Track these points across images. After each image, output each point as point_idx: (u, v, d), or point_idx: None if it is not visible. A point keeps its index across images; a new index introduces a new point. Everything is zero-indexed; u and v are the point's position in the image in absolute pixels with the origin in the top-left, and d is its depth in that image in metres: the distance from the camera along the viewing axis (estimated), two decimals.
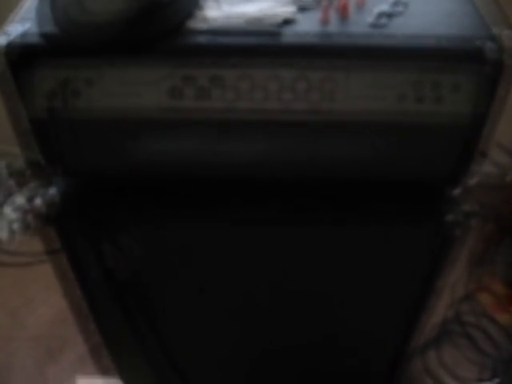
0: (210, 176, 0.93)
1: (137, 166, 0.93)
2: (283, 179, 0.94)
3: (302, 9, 0.84)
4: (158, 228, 0.99)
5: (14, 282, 1.91)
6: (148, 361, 1.25)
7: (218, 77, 0.81)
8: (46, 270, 1.84)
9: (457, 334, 1.73)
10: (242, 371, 1.36)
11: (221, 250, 1.01)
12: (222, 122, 0.85)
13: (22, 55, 0.80)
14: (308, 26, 0.82)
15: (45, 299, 1.84)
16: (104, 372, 1.37)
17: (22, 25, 0.83)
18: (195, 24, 0.82)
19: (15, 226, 2.04)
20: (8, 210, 2.05)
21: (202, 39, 0.80)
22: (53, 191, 0.95)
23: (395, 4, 0.85)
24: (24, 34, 0.81)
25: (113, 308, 1.10)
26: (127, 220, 0.98)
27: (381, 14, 0.83)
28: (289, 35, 0.80)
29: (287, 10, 0.82)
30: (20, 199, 1.86)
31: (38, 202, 1.01)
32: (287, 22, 0.82)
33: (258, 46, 0.79)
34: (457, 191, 0.93)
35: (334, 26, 0.82)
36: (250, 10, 0.82)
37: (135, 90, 0.82)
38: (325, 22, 0.82)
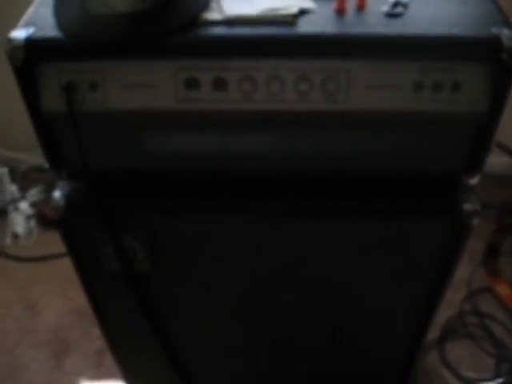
0: (226, 168, 0.94)
1: (151, 161, 0.93)
2: (299, 172, 0.94)
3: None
4: (168, 220, 0.99)
5: (32, 275, 1.93)
6: (156, 362, 1.26)
7: (235, 67, 0.81)
8: (63, 264, 1.87)
9: (474, 326, 1.72)
10: (251, 373, 1.36)
11: (236, 243, 1.01)
12: (238, 112, 0.85)
13: (42, 49, 0.81)
14: (324, 15, 0.82)
15: (62, 293, 1.86)
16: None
17: (40, 20, 0.84)
18: (211, 15, 0.82)
19: (32, 222, 2.07)
20: (25, 206, 2.08)
21: (218, 30, 0.80)
22: (57, 194, 0.96)
23: None
24: (42, 29, 0.82)
25: (124, 305, 1.11)
26: (141, 212, 0.99)
27: (396, 3, 0.83)
28: (305, 25, 0.81)
29: (303, 1, 0.83)
30: (33, 197, 1.89)
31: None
32: (303, 12, 0.82)
33: (275, 36, 0.80)
34: (473, 181, 0.93)
35: (350, 15, 0.82)
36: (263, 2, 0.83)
37: (152, 81, 0.83)
38: (340, 11, 0.82)
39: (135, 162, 0.93)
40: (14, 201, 2.11)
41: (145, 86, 0.83)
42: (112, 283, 1.08)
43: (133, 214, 0.97)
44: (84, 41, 0.80)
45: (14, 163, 2.16)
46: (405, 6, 0.84)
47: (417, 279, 1.06)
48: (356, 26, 0.81)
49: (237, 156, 0.92)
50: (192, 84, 0.83)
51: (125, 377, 1.38)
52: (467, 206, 0.92)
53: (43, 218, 2.07)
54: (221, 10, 0.82)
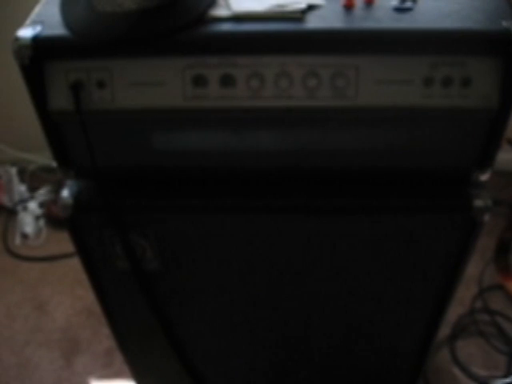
0: (234, 165, 0.94)
1: (159, 159, 0.93)
2: (308, 168, 0.93)
3: None
4: (177, 219, 0.99)
5: (41, 275, 1.94)
6: (165, 362, 1.25)
7: (243, 64, 0.81)
8: (72, 264, 1.88)
9: (485, 324, 1.71)
10: (261, 371, 1.36)
11: (247, 241, 1.01)
12: (246, 109, 0.84)
13: (49, 47, 0.81)
14: (332, 10, 0.82)
15: (71, 293, 1.87)
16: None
17: (47, 18, 0.84)
18: (218, 12, 0.82)
19: (41, 221, 2.08)
20: (33, 206, 2.09)
21: (225, 27, 0.80)
22: (66, 193, 0.96)
23: None
24: (49, 28, 0.82)
25: (133, 304, 1.11)
26: (150, 210, 0.98)
27: None
28: (313, 20, 0.80)
29: None
30: (42, 197, 1.90)
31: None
32: (311, 7, 0.81)
33: (283, 32, 0.79)
34: (484, 177, 0.92)
35: (358, 10, 0.82)
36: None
37: (160, 79, 0.83)
38: (349, 6, 0.82)
39: (143, 160, 0.93)
40: (23, 201, 2.12)
41: (152, 84, 0.83)
42: (121, 282, 1.08)
43: (141, 212, 0.97)
44: (91, 39, 0.80)
45: (22, 163, 2.17)
46: (414, 0, 0.83)
47: (428, 276, 1.06)
48: (364, 21, 0.80)
49: (246, 153, 0.91)
50: (200, 81, 0.82)
51: (134, 376, 1.38)
52: (478, 202, 0.91)
53: (52, 218, 2.07)
54: (228, 6, 0.82)
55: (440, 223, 0.95)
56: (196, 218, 0.98)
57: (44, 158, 2.09)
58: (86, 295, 1.80)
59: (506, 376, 1.59)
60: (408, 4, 0.82)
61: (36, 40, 0.80)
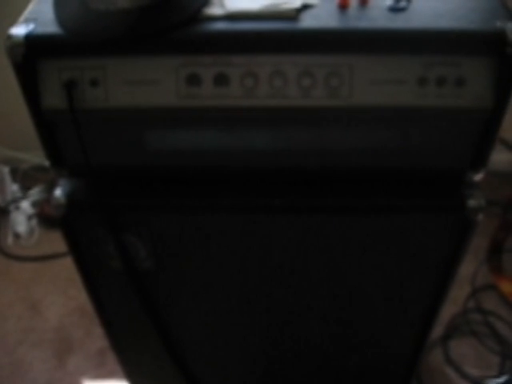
0: (228, 165, 0.93)
1: (153, 158, 0.93)
2: (302, 168, 0.93)
3: None
4: (171, 218, 0.98)
5: (33, 275, 1.93)
6: (159, 362, 1.25)
7: (237, 63, 0.81)
8: (65, 264, 1.87)
9: (478, 324, 1.72)
10: (254, 372, 1.36)
11: (240, 240, 1.01)
12: (240, 109, 0.84)
13: (42, 45, 0.81)
14: (327, 10, 0.81)
15: (64, 292, 1.86)
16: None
17: (40, 16, 0.83)
18: (212, 10, 0.81)
19: (33, 221, 2.07)
20: (26, 206, 2.08)
21: (219, 26, 0.80)
22: (58, 192, 0.95)
23: None
24: (42, 25, 0.81)
25: (126, 304, 1.11)
26: (143, 209, 0.98)
27: None
28: (308, 20, 0.80)
29: None
30: (35, 196, 1.89)
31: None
32: (306, 6, 0.81)
33: (277, 31, 0.79)
34: (478, 176, 0.92)
35: (352, 9, 0.82)
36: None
37: (154, 78, 0.82)
38: (343, 6, 0.82)
39: (137, 159, 0.93)
40: (16, 200, 2.11)
41: (146, 83, 0.83)
42: (114, 282, 1.07)
43: (135, 211, 0.97)
44: (85, 37, 0.80)
45: (15, 162, 2.16)
46: (408, 0, 0.83)
47: (421, 275, 1.06)
48: (359, 21, 0.80)
49: (239, 153, 0.91)
50: (194, 80, 0.82)
51: (127, 376, 1.38)
52: (472, 202, 0.91)
53: (45, 218, 2.07)
54: (222, 5, 0.82)
55: (434, 223, 0.96)
56: (190, 217, 0.98)
57: (37, 157, 2.08)
58: (79, 295, 1.79)
59: (498, 376, 1.59)
60: (402, 4, 0.82)
61: (29, 38, 0.79)
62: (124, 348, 1.28)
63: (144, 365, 1.32)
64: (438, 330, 1.65)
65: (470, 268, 1.81)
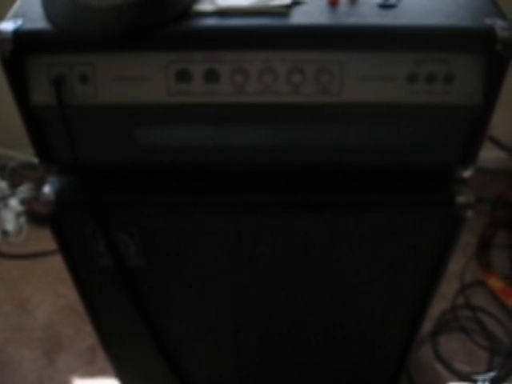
0: (219, 162, 0.93)
1: (143, 155, 0.92)
2: (292, 165, 0.93)
3: None
4: (161, 215, 0.98)
5: (22, 273, 1.92)
6: (149, 359, 1.25)
7: (227, 59, 0.80)
8: (54, 262, 1.86)
9: (467, 320, 1.73)
10: (246, 371, 1.36)
11: (231, 238, 1.00)
12: (230, 105, 0.84)
13: (30, 41, 0.80)
14: (317, 6, 0.81)
15: (53, 290, 1.85)
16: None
17: (29, 12, 0.82)
18: (203, 6, 0.81)
19: (22, 218, 2.06)
20: (14, 203, 2.06)
21: (210, 21, 0.80)
22: (47, 189, 0.94)
23: None
24: (31, 21, 0.80)
25: (116, 302, 1.10)
26: (133, 206, 0.98)
27: None
28: (298, 16, 0.80)
29: None
30: (23, 194, 1.87)
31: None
32: (296, 2, 0.81)
33: (268, 27, 0.79)
34: (467, 173, 0.93)
35: (342, 6, 0.82)
36: None
37: (143, 74, 0.82)
38: (333, 2, 0.82)
39: (127, 156, 0.92)
40: (4, 198, 2.09)
41: (136, 79, 0.82)
42: (104, 280, 1.07)
43: (125, 208, 0.96)
44: (74, 33, 0.79)
45: (3, 160, 2.14)
46: None
47: (410, 272, 1.06)
48: (349, 17, 0.80)
49: (229, 149, 0.91)
50: (184, 76, 0.82)
51: (117, 374, 1.38)
52: (461, 199, 0.92)
53: (33, 215, 2.05)
54: (213, 1, 0.81)
55: (423, 219, 0.96)
56: (181, 214, 0.97)
57: (25, 154, 2.07)
58: (68, 293, 1.78)
59: (487, 371, 1.61)
60: (392, 1, 0.82)
61: (17, 33, 0.78)
62: (114, 346, 1.27)
63: (134, 362, 1.32)
64: (427, 326, 1.66)
65: (458, 264, 1.82)
